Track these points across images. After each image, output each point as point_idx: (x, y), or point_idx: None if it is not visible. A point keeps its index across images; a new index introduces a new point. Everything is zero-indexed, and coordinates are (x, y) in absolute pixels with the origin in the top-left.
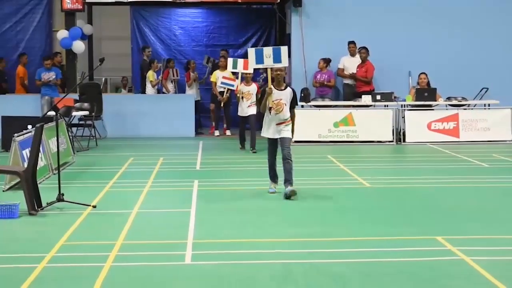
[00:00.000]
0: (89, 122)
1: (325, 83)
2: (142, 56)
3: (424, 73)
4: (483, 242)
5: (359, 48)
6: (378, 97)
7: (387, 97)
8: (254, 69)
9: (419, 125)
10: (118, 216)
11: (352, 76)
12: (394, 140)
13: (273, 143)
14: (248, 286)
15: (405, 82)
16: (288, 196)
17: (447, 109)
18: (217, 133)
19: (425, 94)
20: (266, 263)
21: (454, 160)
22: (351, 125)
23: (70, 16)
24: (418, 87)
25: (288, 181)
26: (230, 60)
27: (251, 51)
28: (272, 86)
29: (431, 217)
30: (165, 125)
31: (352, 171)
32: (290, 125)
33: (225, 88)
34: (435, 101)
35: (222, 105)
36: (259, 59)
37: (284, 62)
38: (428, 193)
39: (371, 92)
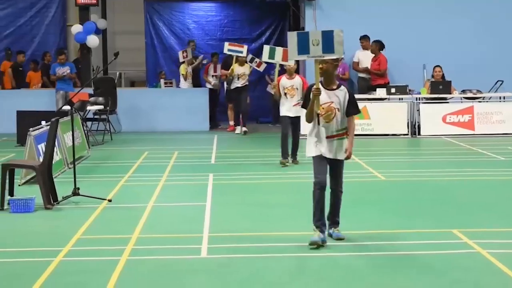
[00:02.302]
0: (103, 116)
1: (340, 76)
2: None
3: (439, 66)
4: (499, 235)
5: (372, 42)
6: (393, 90)
7: (402, 90)
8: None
9: (434, 118)
10: (134, 210)
11: (366, 70)
12: (409, 133)
13: (322, 162)
14: (263, 280)
15: (420, 75)
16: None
17: (462, 102)
18: (238, 130)
19: (440, 87)
20: (282, 256)
21: (469, 153)
22: (366, 118)
23: (84, 11)
24: (433, 80)
25: (335, 222)
26: (266, 48)
27: (292, 36)
28: (319, 85)
29: (447, 210)
30: (180, 119)
31: (367, 164)
32: (346, 141)
33: (233, 56)
34: (450, 94)
35: (225, 93)
36: (303, 47)
37: (338, 52)
38: (444, 186)
39: (385, 85)
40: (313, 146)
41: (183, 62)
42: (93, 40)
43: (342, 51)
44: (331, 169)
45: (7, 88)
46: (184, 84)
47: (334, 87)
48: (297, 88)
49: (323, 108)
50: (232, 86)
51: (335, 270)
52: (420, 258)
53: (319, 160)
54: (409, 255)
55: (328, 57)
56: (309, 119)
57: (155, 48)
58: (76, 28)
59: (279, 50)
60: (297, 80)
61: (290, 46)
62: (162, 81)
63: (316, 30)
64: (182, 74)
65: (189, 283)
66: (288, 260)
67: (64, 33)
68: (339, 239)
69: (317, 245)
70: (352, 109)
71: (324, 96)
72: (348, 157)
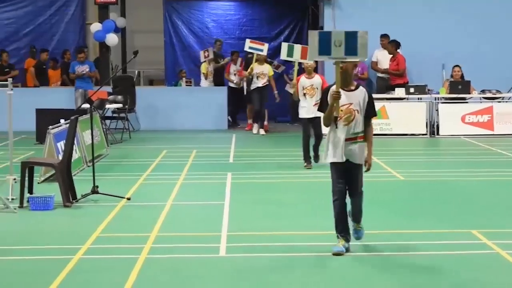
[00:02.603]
0: (122, 114)
1: (359, 75)
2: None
3: (458, 65)
4: None
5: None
6: (412, 90)
7: (421, 90)
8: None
9: (453, 118)
10: (152, 209)
11: (385, 71)
12: (428, 133)
13: (342, 171)
14: (282, 279)
15: (439, 75)
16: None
17: (481, 102)
18: (255, 130)
19: (459, 87)
20: (300, 255)
21: (489, 153)
22: (385, 118)
23: (103, 9)
24: (452, 79)
25: (357, 220)
26: (284, 46)
27: (313, 35)
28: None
29: (466, 210)
30: (198, 118)
31: (386, 164)
32: (365, 144)
33: (252, 55)
34: (469, 93)
35: (244, 92)
36: (324, 47)
37: (362, 55)
38: (463, 187)
39: (404, 85)
40: (331, 151)
41: (204, 61)
42: (112, 39)
43: (366, 53)
44: (349, 174)
45: (29, 86)
46: (205, 83)
47: (353, 87)
48: (316, 88)
49: (341, 111)
50: (252, 86)
51: (354, 269)
52: (438, 258)
53: (337, 166)
54: (427, 255)
55: (351, 59)
56: (327, 123)
57: (174, 47)
58: (95, 27)
59: (297, 48)
60: (316, 79)
61: (310, 46)
62: (183, 79)
63: (339, 30)
64: (203, 73)
65: (207, 282)
66: (307, 259)
67: (83, 32)
68: (359, 238)
69: (342, 253)
70: (370, 111)
71: (343, 98)
72: (368, 169)
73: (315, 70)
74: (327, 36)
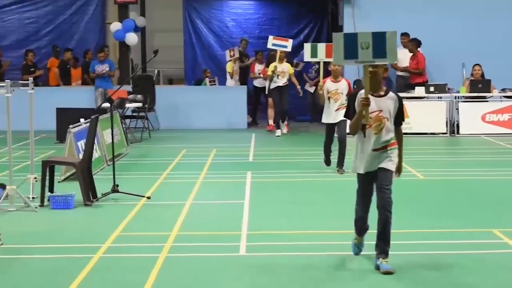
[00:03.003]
0: (142, 114)
1: None
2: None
3: (478, 64)
4: None
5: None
6: (432, 88)
7: (441, 88)
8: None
9: (473, 117)
10: (172, 207)
11: (405, 70)
12: (448, 132)
13: (368, 182)
14: (302, 278)
15: (459, 73)
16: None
17: (501, 100)
18: (278, 132)
19: (479, 86)
20: (320, 254)
21: (509, 152)
22: (405, 116)
23: (123, 9)
24: (472, 78)
25: (383, 251)
26: (307, 47)
27: (338, 38)
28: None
29: (487, 209)
30: (218, 117)
31: (406, 163)
32: (396, 152)
33: (274, 52)
34: (490, 92)
35: (266, 91)
36: (350, 50)
37: (392, 57)
38: (483, 186)
39: (424, 84)
40: (358, 162)
41: (230, 60)
42: (132, 38)
43: (396, 56)
44: (379, 180)
45: (52, 85)
46: (230, 82)
47: (382, 93)
48: (341, 93)
49: (371, 118)
50: (273, 86)
51: (374, 269)
52: (459, 257)
53: (364, 179)
54: (448, 254)
55: (380, 62)
56: (354, 131)
57: (193, 46)
58: (115, 26)
59: (321, 47)
60: (342, 84)
61: (335, 50)
62: (207, 79)
63: (366, 32)
64: (229, 72)
65: (228, 281)
66: (327, 258)
67: (103, 31)
68: (388, 272)
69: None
70: (400, 117)
71: (373, 104)
72: (398, 176)
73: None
74: (353, 38)
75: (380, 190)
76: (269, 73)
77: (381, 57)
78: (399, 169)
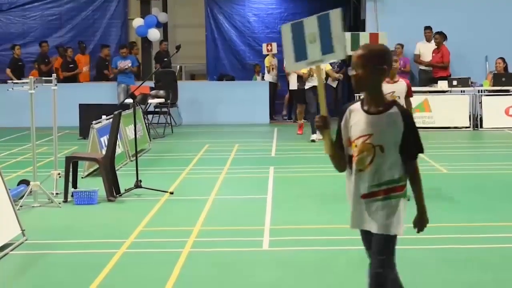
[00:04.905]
0: (164, 109)
1: (401, 69)
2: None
3: (501, 58)
4: None
5: (434, 33)
6: (455, 82)
7: (464, 82)
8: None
9: (497, 110)
10: (195, 203)
11: (429, 64)
12: (471, 126)
13: (368, 239)
14: (325, 272)
15: (482, 67)
16: None
17: None
18: (313, 137)
19: (503, 79)
20: (343, 249)
21: None
22: (427, 111)
23: (145, 4)
24: (495, 72)
25: None
26: (347, 36)
27: (286, 31)
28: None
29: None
30: (240, 112)
31: (429, 157)
32: (402, 202)
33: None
34: None
35: (290, 88)
36: (300, 48)
37: (339, 51)
38: (507, 180)
39: (447, 78)
40: (351, 210)
41: (267, 55)
42: (154, 34)
43: (345, 47)
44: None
45: (82, 81)
46: (268, 76)
47: (381, 108)
48: (398, 97)
49: (355, 146)
50: (308, 85)
51: (402, 264)
52: (482, 251)
53: (362, 235)
54: (471, 248)
55: (329, 59)
56: (336, 167)
57: (215, 41)
58: (137, 22)
59: (364, 36)
60: (400, 85)
61: (285, 49)
62: (259, 74)
63: (311, 17)
64: (267, 67)
65: (251, 276)
66: (351, 253)
67: (125, 27)
68: None
69: None
70: (413, 146)
71: (361, 126)
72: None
73: None
74: (300, 28)
75: (371, 256)
76: (305, 71)
77: (328, 52)
78: (420, 222)
